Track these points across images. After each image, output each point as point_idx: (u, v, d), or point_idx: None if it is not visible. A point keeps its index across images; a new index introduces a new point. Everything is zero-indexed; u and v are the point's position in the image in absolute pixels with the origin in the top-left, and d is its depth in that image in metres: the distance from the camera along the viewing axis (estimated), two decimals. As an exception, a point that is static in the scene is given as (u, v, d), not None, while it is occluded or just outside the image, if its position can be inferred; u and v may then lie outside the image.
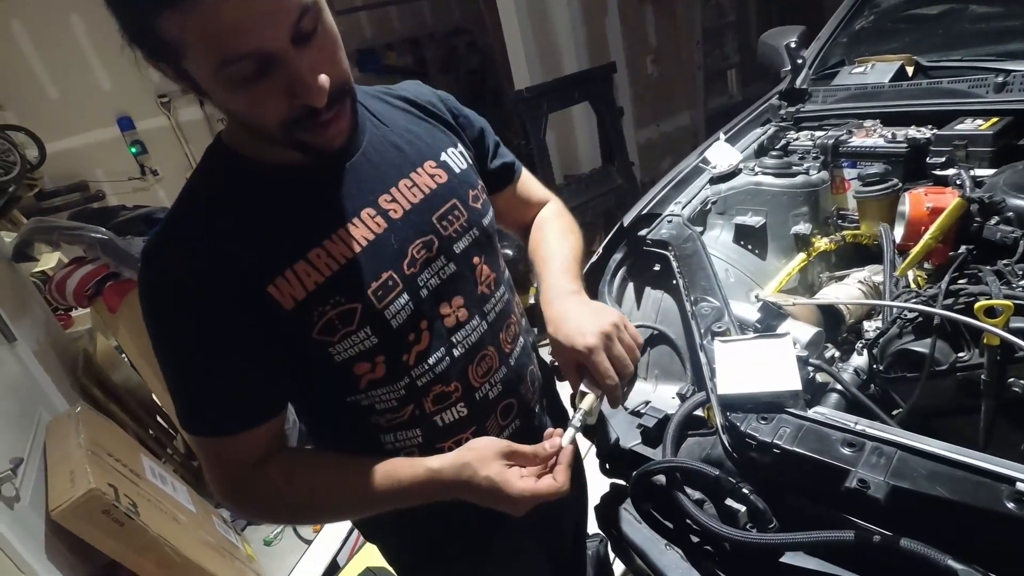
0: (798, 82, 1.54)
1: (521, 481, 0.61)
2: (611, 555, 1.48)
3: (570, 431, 0.64)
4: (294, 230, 0.62)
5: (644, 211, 1.23)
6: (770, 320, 0.85)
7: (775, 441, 0.69)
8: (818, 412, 0.72)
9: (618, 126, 2.86)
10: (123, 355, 2.75)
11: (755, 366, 0.77)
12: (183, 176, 5.11)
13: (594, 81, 2.70)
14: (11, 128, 4.09)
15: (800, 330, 0.87)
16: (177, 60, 0.51)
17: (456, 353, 0.71)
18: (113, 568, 1.45)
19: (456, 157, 0.75)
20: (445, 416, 0.72)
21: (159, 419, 2.51)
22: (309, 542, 1.91)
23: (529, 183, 0.92)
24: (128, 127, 4.84)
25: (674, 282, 1.13)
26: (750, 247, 1.21)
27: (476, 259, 0.73)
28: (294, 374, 0.66)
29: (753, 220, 1.19)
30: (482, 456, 0.62)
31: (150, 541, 1.39)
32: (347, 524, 1.80)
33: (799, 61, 1.52)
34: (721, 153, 1.30)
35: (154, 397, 2.52)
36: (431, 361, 0.69)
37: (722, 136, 1.38)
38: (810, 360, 0.82)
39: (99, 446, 1.50)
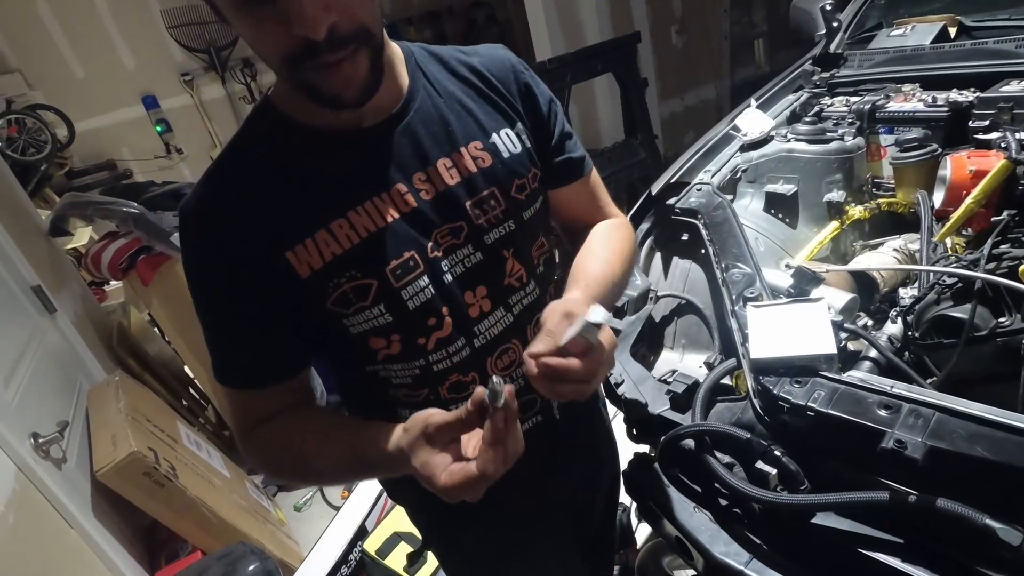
0: (833, 46, 1.49)
1: (444, 475, 0.52)
2: (633, 522, 1.50)
3: (496, 381, 0.50)
4: (321, 197, 0.61)
5: (672, 180, 1.21)
6: (804, 286, 0.84)
7: (809, 404, 0.69)
8: (852, 376, 0.72)
9: (642, 98, 2.80)
10: (155, 328, 2.83)
11: (789, 331, 0.76)
12: (207, 154, 5.19)
13: (618, 52, 2.65)
14: (42, 107, 4.17)
15: (834, 296, 0.86)
16: None
17: (477, 344, 0.69)
18: (154, 527, 1.51)
19: (508, 140, 0.69)
20: (460, 406, 0.72)
21: (191, 390, 2.59)
22: (338, 508, 1.97)
23: (597, 189, 0.82)
24: (153, 106, 4.90)
25: (703, 251, 1.12)
26: (780, 216, 1.19)
27: (506, 252, 0.69)
28: (312, 341, 0.66)
29: (785, 188, 1.17)
30: (412, 442, 0.54)
31: (188, 502, 1.45)
32: (375, 489, 1.85)
33: (835, 24, 1.47)
34: (752, 120, 1.27)
35: (186, 369, 2.60)
36: (451, 349, 0.68)
37: (753, 103, 1.34)
38: (844, 326, 0.81)
39: (138, 412, 1.56)
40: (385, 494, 1.86)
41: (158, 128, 4.94)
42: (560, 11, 3.07)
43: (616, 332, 0.60)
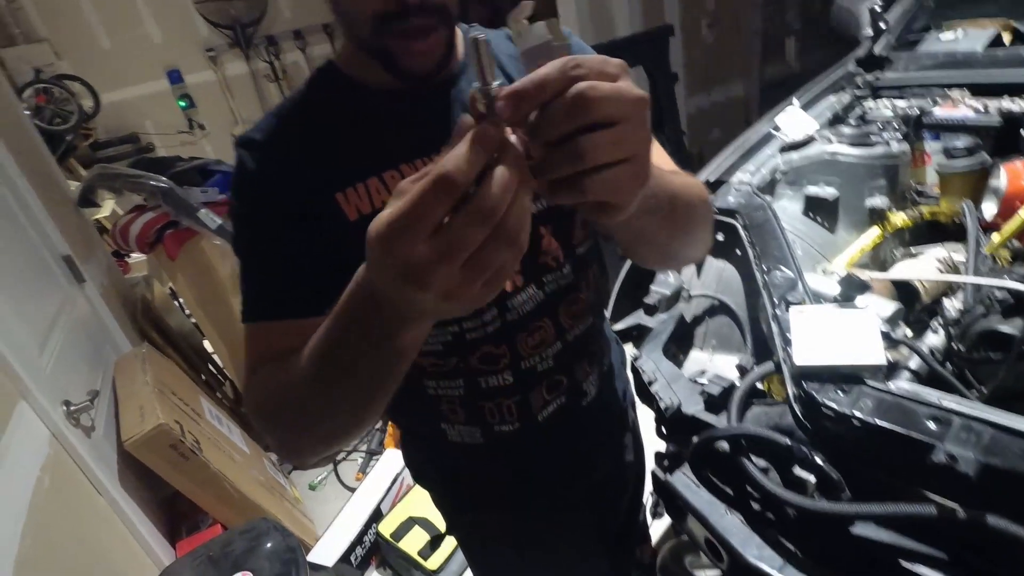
0: (878, 48, 1.46)
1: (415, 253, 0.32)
2: (649, 519, 1.51)
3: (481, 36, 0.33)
4: (376, 147, 0.63)
5: (711, 178, 1.20)
6: (851, 292, 0.83)
7: (855, 413, 0.68)
8: (900, 386, 0.71)
9: (671, 93, 2.77)
10: (176, 302, 2.87)
11: (834, 337, 0.75)
12: (228, 131, 5.21)
13: (650, 44, 2.61)
14: (68, 78, 4.20)
15: (880, 304, 0.84)
16: None
17: (509, 317, 0.69)
18: (176, 498, 1.54)
19: None
20: (490, 380, 0.72)
21: (210, 366, 2.62)
22: (352, 489, 1.99)
23: (657, 154, 0.71)
24: (177, 80, 4.92)
25: (738, 252, 1.11)
26: (819, 219, 1.18)
27: (543, 228, 0.69)
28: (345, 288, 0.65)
29: (826, 191, 1.16)
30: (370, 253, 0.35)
31: (211, 476, 1.47)
32: (391, 472, 1.87)
33: (882, 26, 1.44)
34: (794, 120, 1.25)
35: (205, 343, 2.63)
36: (485, 318, 0.68)
37: (795, 102, 1.32)
38: (892, 336, 0.80)
39: (164, 384, 1.58)
40: (401, 478, 1.88)
41: (181, 103, 4.96)
42: (591, 1, 3.03)
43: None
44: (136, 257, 3.06)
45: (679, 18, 3.36)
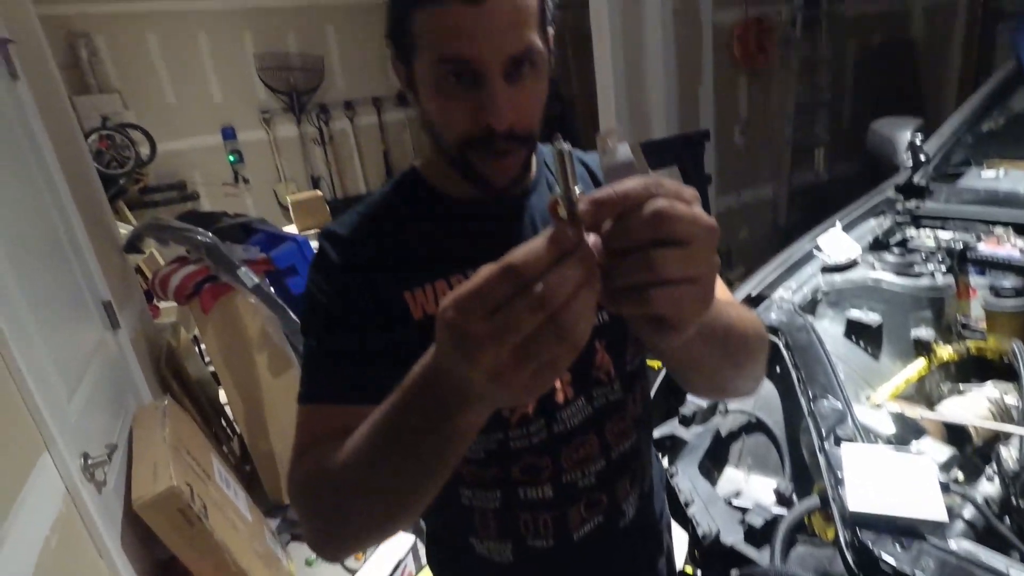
0: (917, 178, 1.50)
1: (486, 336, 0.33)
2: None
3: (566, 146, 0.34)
4: (448, 251, 0.65)
5: (752, 292, 1.20)
6: (907, 435, 0.80)
7: (916, 572, 0.64)
8: (963, 546, 0.67)
9: (705, 192, 2.84)
10: (197, 348, 2.89)
11: (890, 483, 0.72)
12: (270, 187, 5.44)
13: (687, 146, 2.72)
14: (131, 126, 4.46)
15: (935, 449, 0.81)
16: (410, 54, 0.59)
17: (556, 429, 0.69)
18: (173, 563, 1.48)
19: None
20: (529, 491, 0.70)
21: (222, 420, 2.60)
22: (353, 571, 1.90)
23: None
24: (230, 136, 5.20)
25: (778, 370, 1.09)
26: (863, 344, 1.17)
27: (598, 343, 0.70)
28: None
29: (869, 317, 1.15)
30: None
31: (213, 545, 1.42)
32: (394, 557, 1.78)
33: (921, 158, 1.48)
34: (836, 242, 1.27)
35: (221, 394, 2.62)
36: (531, 428, 0.68)
37: (838, 224, 1.34)
38: (950, 486, 0.77)
39: (180, 442, 1.56)
40: (404, 565, 1.79)
41: (231, 158, 5.23)
42: (631, 100, 3.20)
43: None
44: (167, 302, 3.12)
45: (713, 122, 3.52)
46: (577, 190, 0.34)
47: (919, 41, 4.36)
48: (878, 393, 1.07)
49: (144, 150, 4.53)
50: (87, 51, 4.54)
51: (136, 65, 4.75)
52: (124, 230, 2.63)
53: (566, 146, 0.34)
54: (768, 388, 1.12)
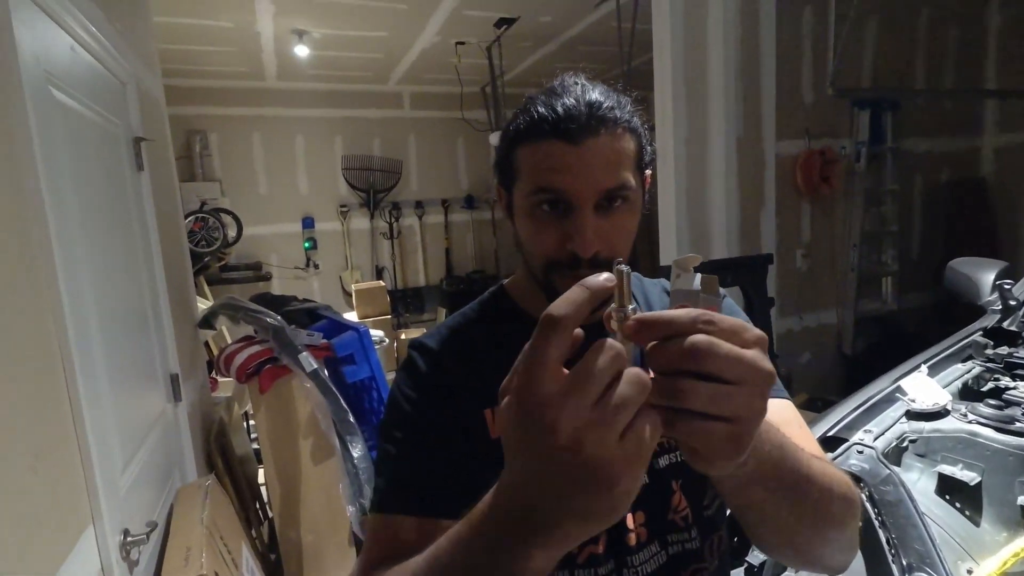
0: (1007, 323, 1.41)
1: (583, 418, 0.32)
2: None
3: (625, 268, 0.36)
4: None
5: (829, 433, 1.12)
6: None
7: None
8: None
9: (767, 316, 2.78)
10: (245, 424, 2.92)
11: None
12: (337, 273, 5.74)
13: (750, 268, 2.71)
14: (224, 211, 4.91)
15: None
16: (512, 182, 0.63)
17: (626, 574, 0.64)
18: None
19: None
20: None
21: (256, 503, 2.56)
22: None
23: (793, 428, 0.63)
24: (309, 226, 5.62)
25: (859, 523, 0.98)
26: (959, 505, 1.04)
27: (675, 483, 0.66)
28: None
29: (965, 475, 1.04)
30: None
31: (229, 646, 1.34)
32: None
33: (1011, 303, 1.40)
34: (922, 387, 1.18)
35: (259, 475, 2.60)
36: (599, 571, 0.63)
37: (924, 368, 1.26)
38: None
39: (216, 527, 1.53)
40: None
41: (306, 244, 5.61)
42: (692, 221, 3.26)
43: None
44: (226, 378, 3.23)
45: (775, 245, 3.50)
46: (630, 308, 0.35)
47: (990, 179, 4.31)
48: (982, 568, 0.94)
49: (232, 232, 4.95)
50: (200, 145, 5.14)
51: (238, 159, 5.33)
52: (201, 304, 2.80)
53: (625, 267, 0.36)
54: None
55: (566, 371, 0.33)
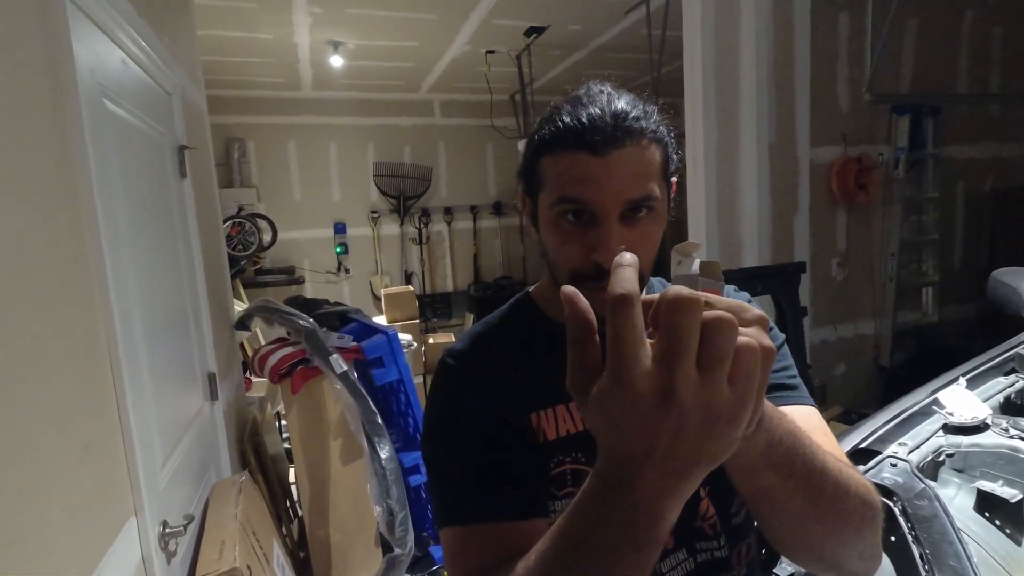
0: (1055, 336, 1.36)
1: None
2: None
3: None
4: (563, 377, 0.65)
5: (861, 445, 1.10)
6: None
7: None
8: None
9: (799, 326, 2.71)
10: (278, 423, 3.00)
11: None
12: (367, 278, 5.84)
13: (782, 277, 2.65)
14: (260, 216, 5.06)
15: None
16: (536, 191, 0.64)
17: None
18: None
19: None
20: None
21: (287, 501, 2.62)
22: None
23: (817, 435, 0.61)
24: (340, 231, 5.74)
25: (893, 539, 0.96)
26: (999, 523, 1.00)
27: (702, 490, 0.66)
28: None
29: (1006, 492, 1.00)
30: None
31: (259, 639, 1.38)
32: None
33: (1058, 314, 1.35)
34: (960, 400, 1.15)
35: (291, 474, 2.67)
36: None
37: (963, 381, 1.22)
38: None
39: (249, 521, 1.58)
40: None
41: (338, 249, 5.73)
42: (722, 228, 3.21)
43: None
44: (259, 378, 3.32)
45: (809, 253, 3.42)
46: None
47: (1035, 187, 4.14)
48: (1024, 589, 0.90)
49: (267, 237, 5.09)
50: (238, 152, 5.31)
51: (274, 166, 5.49)
52: (237, 306, 2.90)
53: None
54: (884, 561, 0.97)
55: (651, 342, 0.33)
